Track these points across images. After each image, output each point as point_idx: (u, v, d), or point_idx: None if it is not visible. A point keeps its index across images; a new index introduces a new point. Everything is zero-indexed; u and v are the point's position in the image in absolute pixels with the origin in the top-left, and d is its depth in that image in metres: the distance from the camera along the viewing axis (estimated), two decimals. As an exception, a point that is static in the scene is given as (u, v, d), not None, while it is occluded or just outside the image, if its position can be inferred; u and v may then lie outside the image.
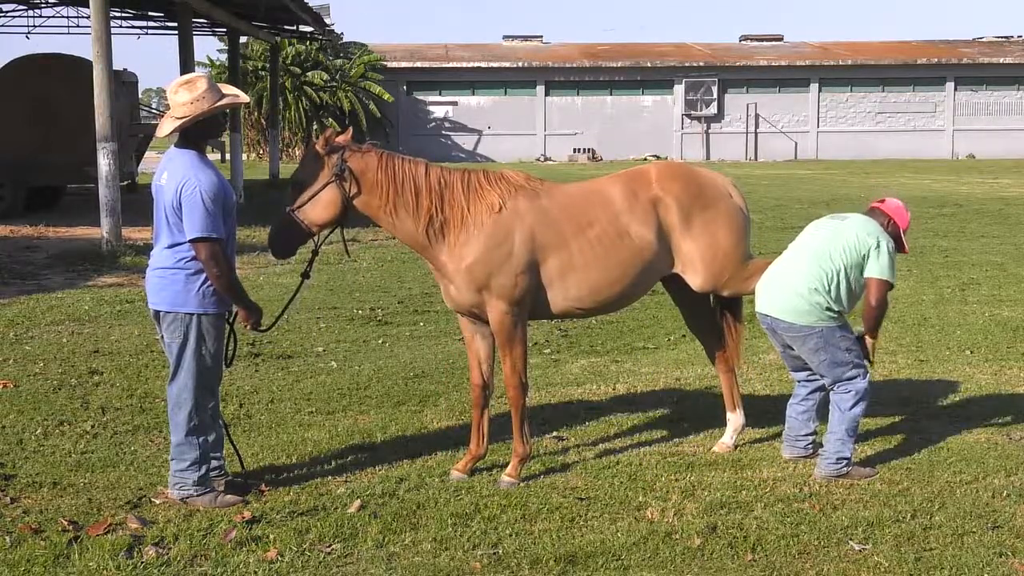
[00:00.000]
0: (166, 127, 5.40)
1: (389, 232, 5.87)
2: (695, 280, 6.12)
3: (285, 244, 5.72)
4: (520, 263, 5.72)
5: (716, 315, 6.51)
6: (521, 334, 5.83)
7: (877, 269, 5.79)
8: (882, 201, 6.12)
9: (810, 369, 6.07)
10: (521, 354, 5.84)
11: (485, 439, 6.00)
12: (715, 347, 6.54)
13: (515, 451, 5.90)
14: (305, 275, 5.97)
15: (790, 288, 5.87)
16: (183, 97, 5.33)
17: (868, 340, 5.97)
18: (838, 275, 5.80)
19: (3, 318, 10.45)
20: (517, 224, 5.74)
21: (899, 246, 6.01)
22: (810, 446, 6.16)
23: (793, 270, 5.92)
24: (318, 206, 5.60)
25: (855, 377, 5.86)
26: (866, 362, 5.96)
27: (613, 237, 5.89)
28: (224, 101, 5.43)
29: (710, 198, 6.10)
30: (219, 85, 5.49)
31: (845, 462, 5.84)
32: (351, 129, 6.23)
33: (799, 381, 6.21)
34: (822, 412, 6.13)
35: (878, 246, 5.78)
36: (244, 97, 5.68)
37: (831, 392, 5.96)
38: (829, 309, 5.79)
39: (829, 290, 5.79)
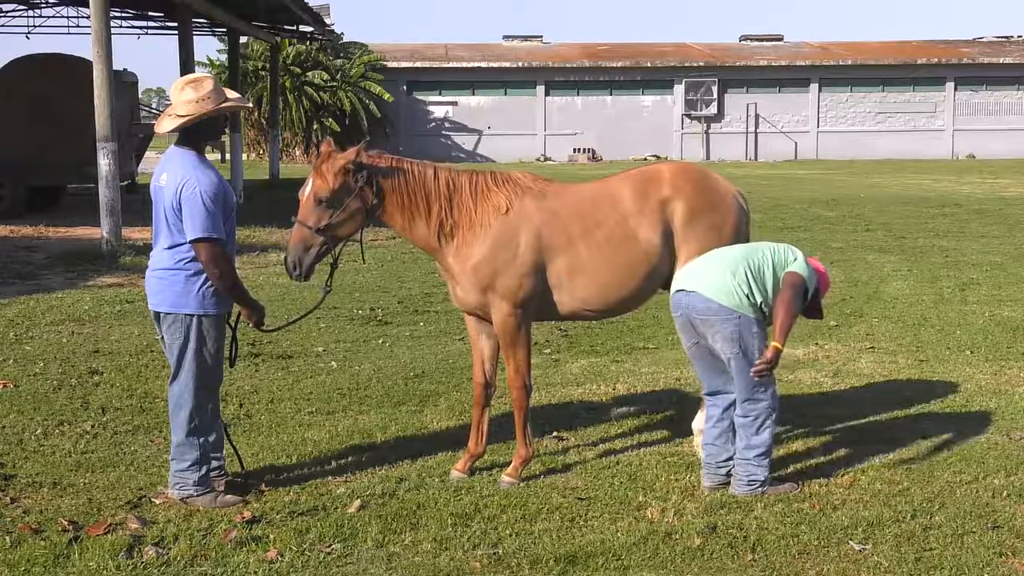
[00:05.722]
0: (166, 124, 5.40)
1: (404, 236, 5.88)
2: None
3: (308, 267, 5.65)
4: (525, 265, 5.72)
5: None
6: (525, 336, 5.83)
7: (794, 265, 5.60)
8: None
9: (721, 378, 5.75)
10: (525, 356, 5.84)
11: (484, 438, 6.01)
12: None
13: (518, 452, 5.90)
14: (327, 289, 6.00)
15: (715, 266, 5.62)
16: (188, 95, 5.33)
17: (772, 348, 5.47)
18: (762, 268, 5.57)
19: (3, 318, 10.45)
20: (523, 226, 5.73)
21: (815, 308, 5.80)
22: (731, 472, 5.78)
23: (722, 254, 5.72)
24: (346, 220, 5.59)
25: (759, 388, 5.54)
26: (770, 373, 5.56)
27: (621, 238, 5.87)
28: (228, 104, 5.44)
29: (717, 204, 6.08)
30: (223, 89, 5.50)
31: (758, 483, 5.60)
32: (330, 141, 5.82)
33: (709, 401, 5.88)
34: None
35: (796, 259, 5.61)
36: (248, 103, 5.70)
37: (736, 416, 5.66)
38: (750, 296, 5.53)
39: (755, 278, 5.55)
